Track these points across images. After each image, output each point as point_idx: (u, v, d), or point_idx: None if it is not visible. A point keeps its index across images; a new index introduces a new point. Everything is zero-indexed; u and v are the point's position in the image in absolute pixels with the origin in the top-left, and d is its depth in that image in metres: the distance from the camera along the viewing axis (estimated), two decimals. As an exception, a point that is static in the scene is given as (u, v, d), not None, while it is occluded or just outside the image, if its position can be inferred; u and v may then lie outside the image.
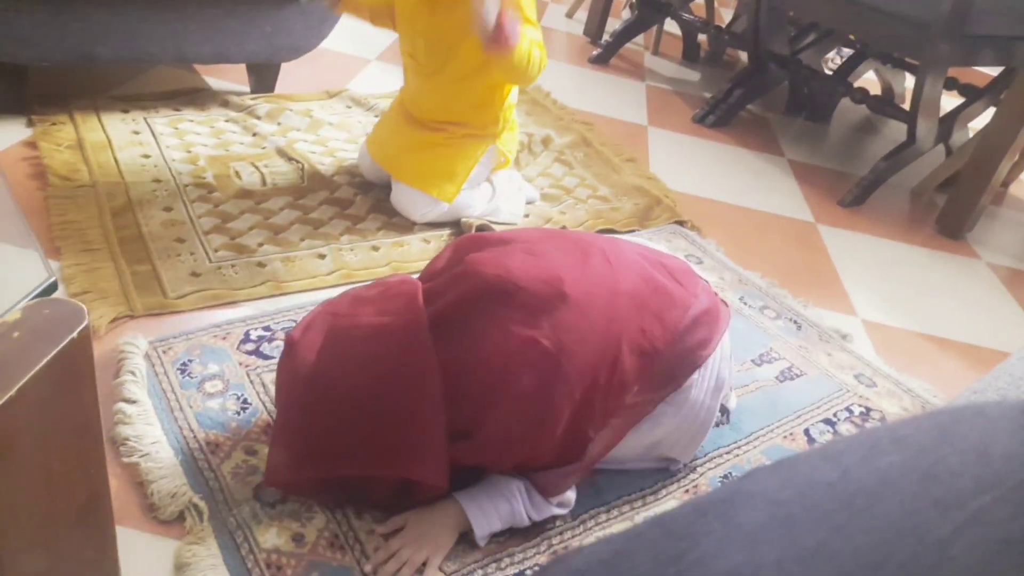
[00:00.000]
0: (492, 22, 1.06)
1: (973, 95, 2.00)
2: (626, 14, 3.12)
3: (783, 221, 1.71)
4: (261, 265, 1.13)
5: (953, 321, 1.46)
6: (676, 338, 0.81)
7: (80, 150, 1.30)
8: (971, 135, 2.03)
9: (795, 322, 1.31)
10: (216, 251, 1.14)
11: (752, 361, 1.19)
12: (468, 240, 0.84)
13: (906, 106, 1.92)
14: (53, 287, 0.90)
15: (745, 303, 1.33)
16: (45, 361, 0.37)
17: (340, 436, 0.74)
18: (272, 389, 0.91)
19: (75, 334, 0.38)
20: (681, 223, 1.56)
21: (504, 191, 1.41)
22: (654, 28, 2.73)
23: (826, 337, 1.29)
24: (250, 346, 0.98)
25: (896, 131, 2.47)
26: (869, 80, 2.74)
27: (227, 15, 1.45)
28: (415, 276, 0.85)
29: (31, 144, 1.31)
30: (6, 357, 0.37)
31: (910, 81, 2.32)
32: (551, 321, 0.73)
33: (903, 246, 1.72)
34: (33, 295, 0.85)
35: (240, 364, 0.95)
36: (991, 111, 1.97)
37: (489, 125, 1.33)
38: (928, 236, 1.80)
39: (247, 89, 1.69)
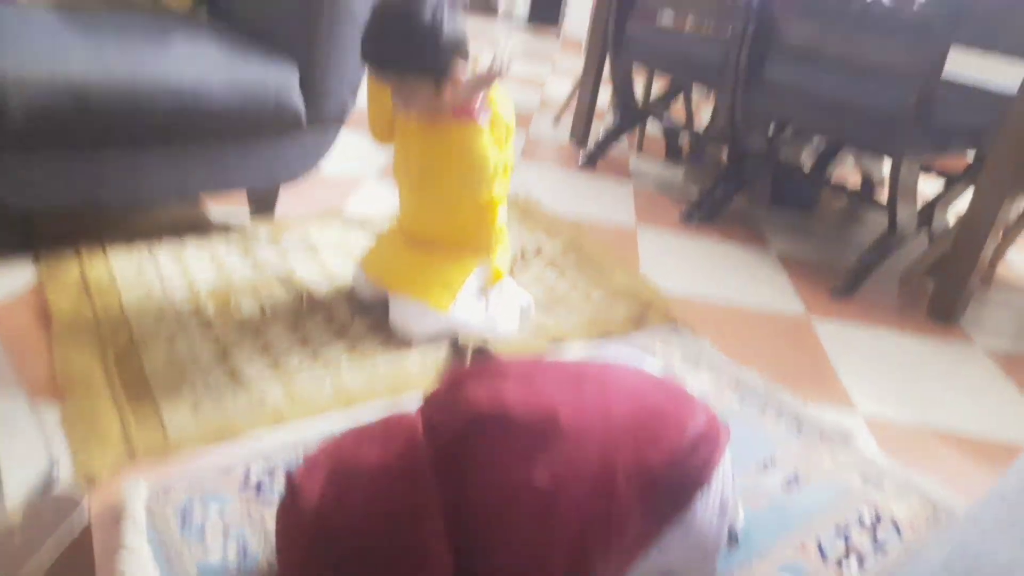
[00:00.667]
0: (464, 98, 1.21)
1: (951, 181, 2.07)
2: (610, 116, 3.26)
3: (776, 317, 1.74)
4: (262, 396, 1.14)
5: (955, 412, 1.46)
6: (676, 460, 0.82)
7: (85, 290, 1.33)
8: (951, 219, 2.09)
9: (796, 423, 1.31)
10: (217, 384, 1.15)
11: (756, 468, 1.18)
12: (464, 372, 0.86)
13: (884, 193, 1.99)
14: (54, 475, 0.92)
15: (743, 404, 1.33)
16: (48, 565, 0.37)
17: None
18: (273, 533, 0.90)
19: (76, 533, 0.39)
20: (674, 324, 1.58)
21: (498, 303, 1.44)
22: (637, 130, 2.85)
23: (828, 437, 1.29)
24: (252, 488, 0.98)
25: (880, 216, 2.53)
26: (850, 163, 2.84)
27: (228, 148, 1.52)
28: (417, 398, 0.87)
29: (37, 287, 1.34)
30: (8, 562, 0.37)
31: (888, 166, 2.40)
32: (546, 457, 0.73)
33: (897, 334, 1.74)
34: (35, 484, 0.86)
35: (242, 507, 0.95)
36: (969, 193, 2.03)
37: (482, 243, 1.38)
38: (921, 323, 1.82)
39: (247, 214, 1.75)
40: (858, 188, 2.81)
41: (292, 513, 0.76)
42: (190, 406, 1.09)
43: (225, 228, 1.64)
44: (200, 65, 1.38)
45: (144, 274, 1.42)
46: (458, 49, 1.23)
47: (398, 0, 1.20)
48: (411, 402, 1.17)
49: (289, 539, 0.77)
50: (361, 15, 1.52)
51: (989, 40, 1.71)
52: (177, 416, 1.07)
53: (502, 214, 1.40)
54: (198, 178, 1.50)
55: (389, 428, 0.80)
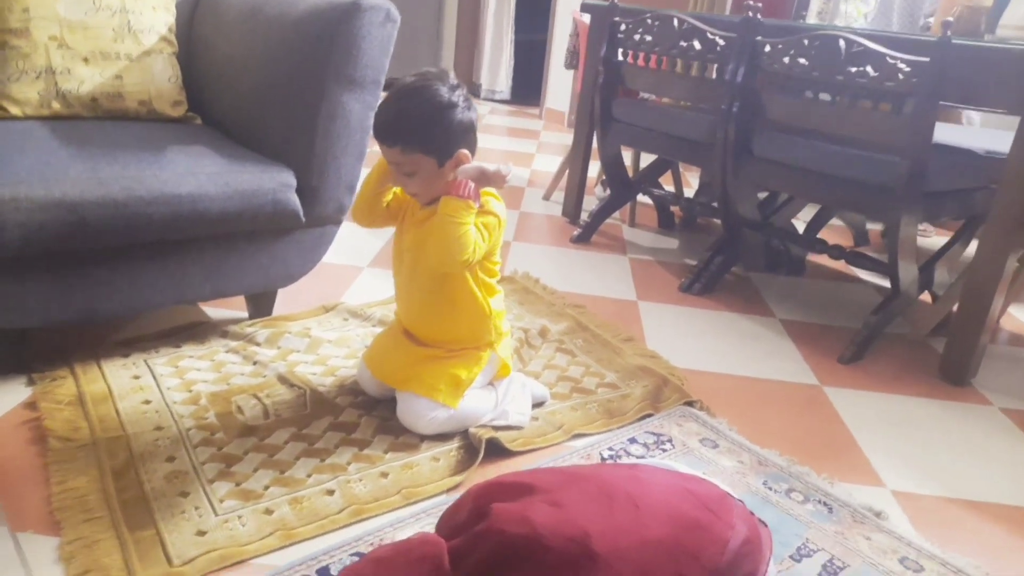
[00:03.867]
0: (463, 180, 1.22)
1: (948, 243, 2.08)
2: (599, 190, 3.30)
3: (788, 387, 1.70)
4: (268, 512, 1.09)
5: (981, 480, 1.42)
6: None
7: (81, 405, 1.29)
8: (950, 275, 2.09)
9: (825, 504, 1.26)
10: (222, 501, 1.10)
11: (791, 557, 1.12)
12: (488, 488, 0.82)
13: (873, 246, 1.99)
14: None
15: (770, 488, 1.29)
16: None
17: None
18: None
19: None
20: (690, 403, 1.54)
21: (509, 392, 1.40)
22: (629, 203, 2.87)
23: (860, 518, 1.24)
24: (262, 614, 0.92)
25: (874, 274, 2.54)
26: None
27: (226, 254, 1.50)
28: (432, 509, 0.82)
29: (31, 405, 1.30)
30: None
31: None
32: None
33: (912, 400, 1.71)
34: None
35: (252, 638, 0.88)
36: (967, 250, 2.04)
37: (483, 337, 1.36)
38: (934, 385, 1.79)
39: (246, 315, 1.72)
40: (851, 246, 2.83)
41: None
42: (194, 528, 1.04)
43: (223, 331, 1.61)
44: (196, 173, 1.38)
45: (141, 384, 1.38)
46: (467, 135, 1.24)
47: (418, 77, 1.23)
48: (425, 512, 1.12)
49: None
50: (356, 117, 1.54)
51: (971, 98, 1.74)
52: (181, 541, 1.01)
53: (498, 305, 1.37)
54: (196, 286, 1.48)
55: (411, 557, 0.75)
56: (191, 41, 1.85)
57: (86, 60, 1.60)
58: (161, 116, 1.73)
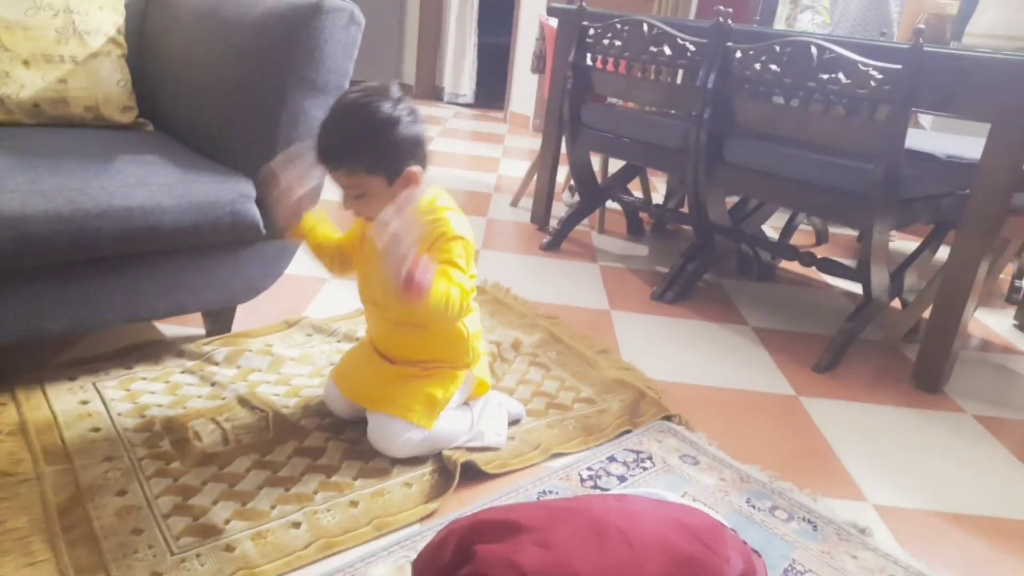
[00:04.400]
0: (404, 272, 1.04)
1: (917, 249, 2.09)
2: (567, 196, 3.27)
3: (765, 398, 1.68)
4: (230, 549, 1.01)
5: (961, 491, 1.41)
6: None
7: (23, 435, 1.19)
8: (919, 282, 2.10)
9: (810, 522, 1.23)
10: (178, 539, 1.02)
11: (779, 580, 1.09)
12: (472, 527, 0.76)
13: (838, 248, 1.99)
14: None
15: (754, 507, 1.25)
16: None
17: None
18: None
19: None
20: (668, 417, 1.50)
21: (485, 412, 1.35)
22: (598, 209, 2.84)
23: (845, 535, 1.21)
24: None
25: (844, 281, 2.55)
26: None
27: (182, 268, 1.42)
28: (404, 541, 0.76)
29: (-33, 436, 1.20)
30: None
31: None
32: None
33: (887, 409, 1.70)
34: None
35: None
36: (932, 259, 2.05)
37: (461, 358, 1.30)
38: (908, 392, 1.79)
39: (203, 332, 1.63)
40: (813, 243, 2.84)
41: None
42: (147, 570, 0.96)
43: (179, 350, 1.52)
44: (148, 183, 1.30)
45: (90, 410, 1.29)
46: (415, 150, 1.17)
47: (358, 94, 1.15)
48: (399, 545, 1.06)
49: None
50: (319, 124, 1.47)
51: (942, 105, 1.75)
52: (133, 586, 0.93)
53: (475, 325, 1.32)
54: (151, 302, 1.39)
55: None
56: (142, 43, 1.75)
57: (26, 63, 1.50)
58: (110, 123, 1.63)
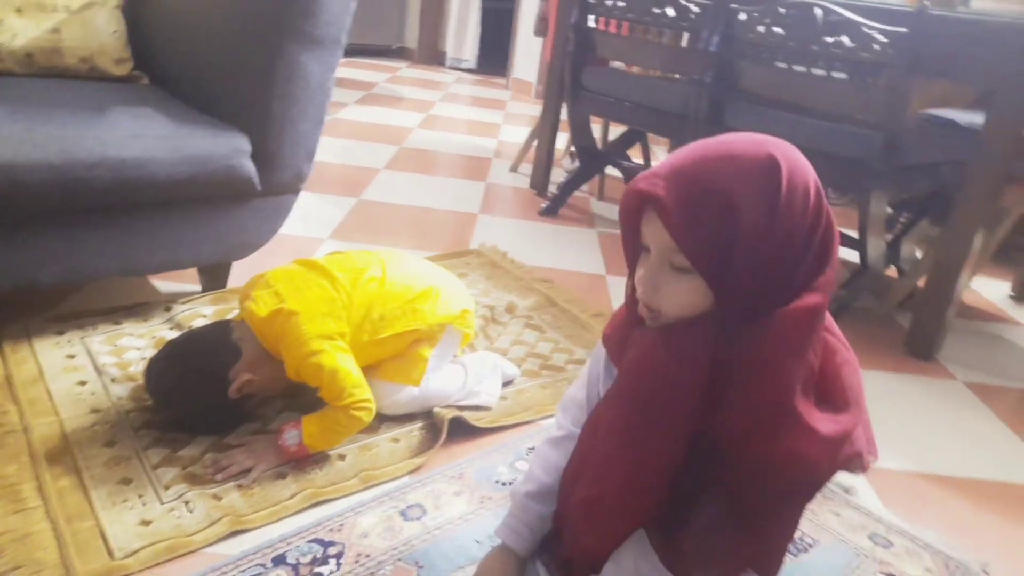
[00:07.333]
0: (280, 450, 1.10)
1: (913, 215, 2.08)
2: (567, 162, 3.24)
3: (758, 363, 1.68)
4: (217, 498, 1.02)
5: (948, 454, 1.42)
6: None
7: (8, 387, 1.20)
8: (917, 252, 2.09)
9: (796, 482, 1.24)
10: (167, 487, 1.03)
11: (762, 538, 1.10)
12: None
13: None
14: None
15: (740, 467, 1.26)
16: None
17: None
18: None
19: None
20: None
21: (478, 372, 1.35)
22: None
23: (829, 494, 1.23)
24: (211, 608, 0.86)
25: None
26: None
27: (178, 222, 1.41)
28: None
29: (-43, 386, 1.20)
30: None
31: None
32: None
33: (880, 375, 1.70)
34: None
35: (200, 633, 0.83)
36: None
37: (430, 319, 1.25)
38: (900, 359, 1.79)
39: (199, 288, 1.63)
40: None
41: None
42: (137, 518, 0.97)
43: (168, 306, 1.52)
44: (143, 136, 1.28)
45: (76, 364, 1.29)
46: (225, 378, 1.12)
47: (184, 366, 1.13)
48: (387, 496, 1.07)
49: None
50: (316, 79, 1.45)
51: (946, 71, 1.72)
52: (123, 532, 0.94)
53: (436, 310, 1.26)
54: (144, 255, 1.39)
55: None
56: (138, -7, 1.73)
57: (19, 11, 1.48)
58: (104, 74, 1.61)
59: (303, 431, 1.11)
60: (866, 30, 1.66)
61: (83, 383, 1.24)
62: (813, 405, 0.70)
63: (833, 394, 0.73)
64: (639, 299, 0.75)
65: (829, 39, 1.73)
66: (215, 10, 1.51)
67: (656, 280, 0.72)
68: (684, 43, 2.27)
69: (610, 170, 2.87)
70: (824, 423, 0.69)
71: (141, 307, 1.51)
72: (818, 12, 1.74)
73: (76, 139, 1.22)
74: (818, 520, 1.16)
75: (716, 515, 0.74)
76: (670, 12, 2.11)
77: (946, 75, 1.70)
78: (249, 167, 1.43)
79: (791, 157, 0.69)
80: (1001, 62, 1.58)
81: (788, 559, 1.06)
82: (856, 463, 0.73)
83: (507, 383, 1.42)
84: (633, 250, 0.76)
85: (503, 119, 4.21)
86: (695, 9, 2.05)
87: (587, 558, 0.86)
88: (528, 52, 5.08)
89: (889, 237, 2.07)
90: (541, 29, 3.11)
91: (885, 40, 1.63)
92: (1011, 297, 2.33)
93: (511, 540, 0.95)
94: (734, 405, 0.69)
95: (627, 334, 0.78)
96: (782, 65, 1.91)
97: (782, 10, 1.82)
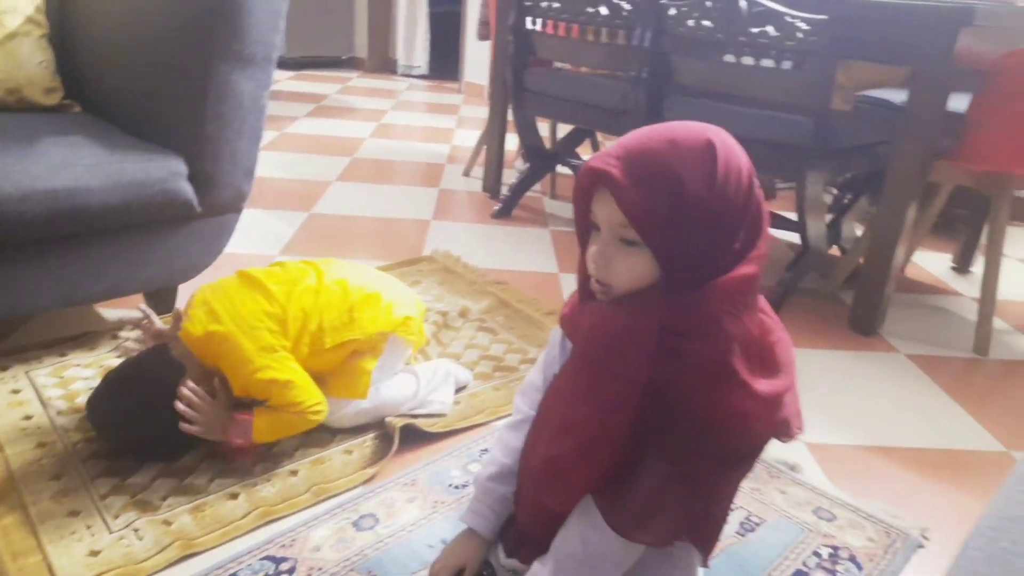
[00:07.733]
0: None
1: (853, 195, 2.13)
2: (519, 163, 3.26)
3: (707, 349, 1.72)
4: (167, 523, 1.02)
5: (891, 425, 1.46)
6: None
7: (-46, 426, 1.19)
8: (857, 230, 2.15)
9: (742, 463, 1.27)
10: (116, 516, 1.03)
11: (709, 520, 1.13)
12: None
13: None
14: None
15: (689, 452, 1.29)
16: None
17: None
18: None
19: None
20: (609, 374, 1.53)
21: (430, 381, 1.36)
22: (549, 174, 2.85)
23: (775, 472, 1.26)
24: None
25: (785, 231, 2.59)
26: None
27: (119, 249, 1.40)
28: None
29: (-102, 428, 1.19)
30: None
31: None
32: None
33: (825, 353, 1.75)
34: None
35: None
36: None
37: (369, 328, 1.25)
38: (844, 336, 1.84)
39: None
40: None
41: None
42: (85, 549, 0.97)
43: (114, 334, 1.51)
44: (73, 164, 1.27)
45: (21, 399, 1.28)
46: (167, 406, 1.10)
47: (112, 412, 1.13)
48: (340, 507, 1.08)
49: None
50: (249, 97, 1.45)
51: (869, 54, 1.77)
52: (71, 564, 0.94)
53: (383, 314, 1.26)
54: (86, 285, 1.38)
55: None
56: (64, 21, 1.71)
57: (-61, 47, 1.46)
58: (34, 105, 1.59)
59: (253, 426, 1.12)
60: (789, 19, 1.70)
61: (28, 417, 1.23)
62: (750, 371, 0.75)
63: (768, 364, 0.79)
64: (591, 274, 0.80)
65: (755, 30, 1.77)
66: (144, 35, 1.50)
67: (607, 254, 0.77)
68: (623, 39, 2.30)
69: (562, 168, 2.90)
70: (761, 384, 0.76)
71: (87, 336, 1.50)
72: (742, 4, 1.78)
73: (3, 173, 1.20)
74: (764, 499, 1.19)
75: (661, 475, 0.79)
76: (603, 11, 2.14)
77: (870, 58, 1.75)
78: (186, 189, 1.42)
79: (727, 142, 0.76)
80: (922, 43, 1.64)
81: (735, 540, 1.09)
82: (784, 429, 0.79)
83: (460, 389, 1.43)
84: (585, 228, 0.81)
85: (456, 124, 4.23)
86: (627, 7, 2.09)
87: (542, 528, 0.90)
88: (479, 55, 5.09)
89: (829, 217, 2.13)
90: (483, 33, 3.12)
91: (808, 28, 1.68)
92: (952, 268, 2.40)
93: (476, 523, 0.99)
94: (679, 364, 0.74)
95: (580, 310, 0.83)
96: (728, 58, 1.95)
97: (709, 3, 1.86)
